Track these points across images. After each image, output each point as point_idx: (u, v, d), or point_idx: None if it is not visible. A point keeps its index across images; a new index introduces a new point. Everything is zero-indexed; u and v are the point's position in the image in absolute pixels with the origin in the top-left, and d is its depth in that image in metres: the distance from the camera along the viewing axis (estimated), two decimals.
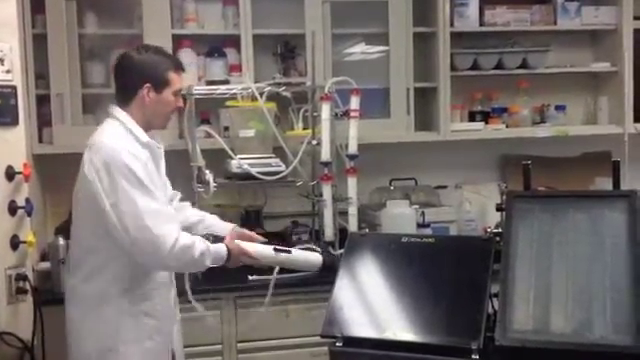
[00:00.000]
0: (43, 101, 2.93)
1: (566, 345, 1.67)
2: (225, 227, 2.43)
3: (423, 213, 3.00)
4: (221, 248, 2.17)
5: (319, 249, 2.71)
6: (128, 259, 2.06)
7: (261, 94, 2.78)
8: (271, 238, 3.10)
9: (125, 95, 2.15)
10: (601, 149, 3.48)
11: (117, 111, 2.15)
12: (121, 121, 2.13)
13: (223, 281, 2.63)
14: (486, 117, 3.38)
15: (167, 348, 2.21)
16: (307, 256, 2.52)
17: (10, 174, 2.37)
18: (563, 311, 1.73)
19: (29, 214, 2.44)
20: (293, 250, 2.46)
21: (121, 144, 2.06)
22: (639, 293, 1.69)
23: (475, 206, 3.27)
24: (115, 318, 2.09)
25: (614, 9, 3.36)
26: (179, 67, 2.20)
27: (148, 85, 2.12)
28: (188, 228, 2.38)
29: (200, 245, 2.09)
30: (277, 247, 2.42)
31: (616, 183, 1.97)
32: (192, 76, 3.05)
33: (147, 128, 2.16)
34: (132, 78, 2.14)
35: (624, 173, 2.00)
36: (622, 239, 1.79)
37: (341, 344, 1.85)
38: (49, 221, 3.01)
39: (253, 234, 2.42)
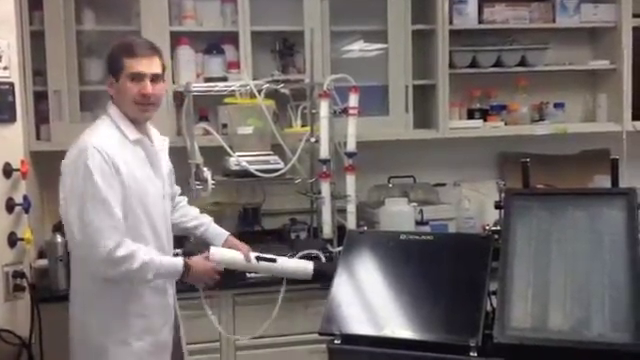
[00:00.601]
0: (41, 98, 2.92)
1: (564, 343, 1.67)
2: (219, 235, 2.43)
3: (422, 211, 3.00)
4: (176, 263, 2.12)
5: (318, 254, 2.69)
6: None
7: (259, 91, 2.78)
8: (269, 236, 3.15)
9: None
10: (600, 147, 3.47)
11: (110, 107, 2.15)
12: (112, 118, 2.12)
13: (222, 279, 2.62)
14: (485, 115, 3.38)
15: (161, 346, 2.18)
16: (296, 266, 2.50)
17: (7, 171, 2.37)
18: (561, 309, 1.73)
19: (27, 211, 2.44)
20: (279, 259, 2.44)
21: (98, 144, 2.02)
22: (637, 291, 1.69)
23: (474, 204, 3.26)
24: (105, 318, 2.09)
25: (613, 7, 3.36)
26: (130, 51, 2.09)
27: (109, 76, 2.13)
28: (184, 229, 2.42)
29: (142, 257, 2.01)
30: (260, 255, 2.42)
31: (615, 181, 1.97)
32: (190, 73, 3.05)
33: (133, 122, 2.14)
34: (105, 74, 2.17)
35: (622, 171, 2.00)
36: (621, 237, 1.79)
37: (339, 341, 1.85)
38: (47, 218, 3.00)
39: (244, 246, 2.41)
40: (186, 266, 2.13)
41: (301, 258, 2.63)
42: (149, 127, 2.22)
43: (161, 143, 2.26)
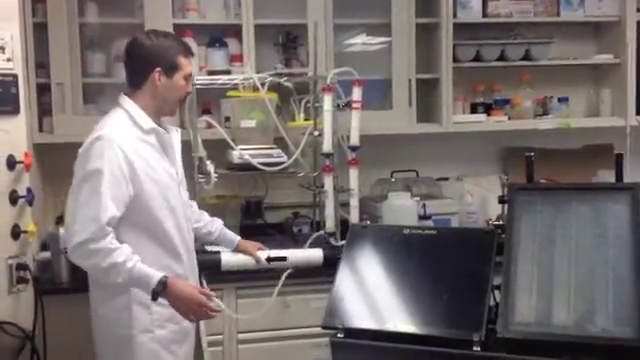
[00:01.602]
0: (43, 90, 2.91)
1: (568, 337, 1.68)
2: (230, 241, 2.55)
3: (424, 205, 3.00)
4: (152, 276, 2.01)
5: (328, 239, 2.72)
6: (136, 248, 2.05)
7: (262, 84, 2.76)
8: (272, 229, 3.15)
9: (136, 80, 2.16)
10: (603, 141, 3.47)
11: (123, 99, 2.17)
12: (126, 110, 2.14)
13: (224, 272, 2.63)
14: (488, 109, 3.37)
15: (184, 334, 2.21)
16: (307, 255, 2.63)
17: (11, 163, 2.36)
18: (565, 303, 1.73)
19: (30, 204, 2.44)
20: (289, 255, 2.58)
21: (112, 135, 2.04)
22: None
23: (476, 198, 3.26)
24: (128, 307, 2.11)
25: (617, 1, 3.34)
26: (188, 52, 2.22)
27: (159, 69, 2.13)
28: (197, 236, 2.43)
29: (116, 258, 1.98)
30: (271, 256, 2.56)
31: (619, 176, 1.97)
32: (193, 66, 3.03)
33: (158, 114, 2.19)
34: (143, 63, 2.15)
35: (626, 165, 2.00)
36: (625, 232, 1.79)
37: (342, 335, 1.85)
38: (50, 211, 3.00)
39: (255, 245, 2.54)
40: (162, 284, 2.01)
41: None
42: (162, 119, 2.26)
43: (175, 134, 2.30)
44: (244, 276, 2.64)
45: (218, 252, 2.57)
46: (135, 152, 2.07)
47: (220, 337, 2.68)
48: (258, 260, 2.55)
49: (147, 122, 2.14)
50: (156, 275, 2.01)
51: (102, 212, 1.98)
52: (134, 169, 2.06)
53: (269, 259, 2.56)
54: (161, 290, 2.01)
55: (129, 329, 2.11)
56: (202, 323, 2.39)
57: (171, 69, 2.14)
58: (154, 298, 2.02)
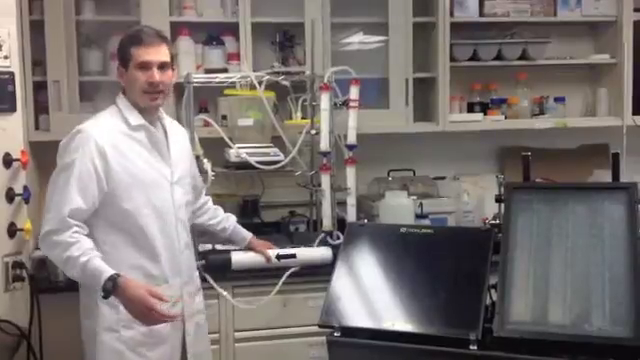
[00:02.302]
0: (40, 88, 2.90)
1: (564, 337, 1.68)
2: (242, 239, 2.59)
3: (421, 204, 3.00)
4: (102, 272, 1.95)
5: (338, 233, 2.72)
6: (107, 244, 2.06)
7: (260, 83, 2.76)
8: (268, 228, 3.15)
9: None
10: (600, 141, 3.47)
11: (118, 96, 2.18)
12: (118, 106, 2.15)
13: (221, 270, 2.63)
14: (485, 108, 3.37)
15: (159, 337, 2.12)
16: (315, 254, 2.67)
17: (7, 161, 2.36)
18: (561, 303, 1.73)
19: (26, 201, 2.44)
20: (298, 252, 2.63)
21: (90, 129, 2.06)
22: (637, 285, 1.69)
23: (473, 197, 3.26)
24: (96, 303, 2.07)
25: (614, 1, 3.34)
26: (137, 40, 2.12)
27: (117, 64, 2.16)
28: (212, 232, 2.52)
29: (73, 251, 1.96)
30: (280, 254, 2.61)
31: (615, 175, 1.97)
32: (190, 64, 3.04)
33: (141, 110, 2.16)
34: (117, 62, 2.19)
35: (622, 165, 2.00)
36: (621, 231, 1.80)
37: (339, 334, 1.85)
38: None
39: (265, 244, 2.60)
40: (113, 281, 1.94)
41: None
42: (163, 116, 2.24)
43: (177, 132, 2.29)
44: (242, 275, 2.64)
45: (228, 251, 2.58)
46: (114, 148, 2.07)
47: (217, 335, 2.67)
48: (269, 259, 2.57)
49: (136, 118, 2.13)
50: (107, 272, 1.95)
51: (66, 204, 2.00)
52: (109, 165, 2.05)
53: (279, 256, 2.60)
54: (111, 288, 1.94)
55: (94, 325, 2.09)
56: (193, 331, 2.29)
57: (125, 61, 2.12)
58: (105, 296, 1.96)
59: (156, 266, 2.14)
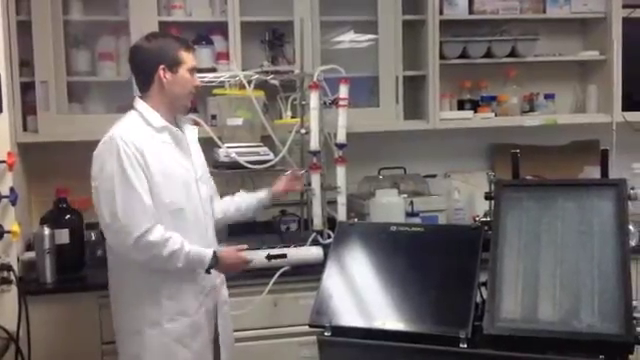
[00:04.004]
0: (27, 89, 2.88)
1: (554, 334, 1.68)
2: (259, 201, 2.61)
3: (412, 202, 3.00)
4: (204, 254, 2.18)
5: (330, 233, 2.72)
6: None
7: (249, 82, 2.76)
8: (259, 227, 3.14)
9: (144, 83, 2.23)
10: (589, 138, 3.48)
11: (136, 101, 2.23)
12: (138, 111, 2.21)
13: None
14: (475, 106, 3.37)
15: (197, 328, 2.22)
16: (306, 254, 2.68)
17: None
18: (551, 300, 1.73)
19: (13, 204, 2.42)
20: (289, 253, 2.63)
21: (123, 133, 2.11)
22: (626, 282, 1.69)
23: (464, 195, 3.26)
24: (138, 302, 2.16)
25: None
26: (188, 46, 2.25)
27: (163, 67, 2.19)
28: (233, 219, 2.57)
29: (173, 245, 2.10)
30: (271, 254, 2.62)
31: (604, 172, 1.97)
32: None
33: (170, 112, 2.24)
34: (147, 64, 2.20)
35: (612, 161, 2.01)
36: (610, 228, 1.80)
37: (329, 333, 1.85)
38: (34, 210, 2.97)
39: (287, 184, 2.69)
40: (215, 258, 2.18)
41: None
42: (179, 117, 2.32)
43: (192, 132, 2.35)
44: (232, 275, 2.62)
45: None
46: (148, 149, 2.13)
47: None
48: (299, 177, 2.73)
49: (158, 121, 2.20)
50: (207, 253, 2.17)
51: (146, 204, 2.08)
52: (147, 163, 2.11)
53: (269, 257, 2.61)
54: (215, 263, 2.18)
55: (137, 323, 2.16)
56: (224, 321, 2.38)
57: (174, 64, 2.20)
58: (208, 271, 2.19)
59: None
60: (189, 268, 2.15)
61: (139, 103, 2.22)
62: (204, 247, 2.24)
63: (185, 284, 2.19)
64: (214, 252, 2.19)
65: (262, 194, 2.63)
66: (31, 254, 2.70)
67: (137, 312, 2.16)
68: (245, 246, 2.33)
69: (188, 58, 2.22)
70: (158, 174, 2.13)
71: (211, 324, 2.29)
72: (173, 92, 2.21)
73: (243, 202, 2.58)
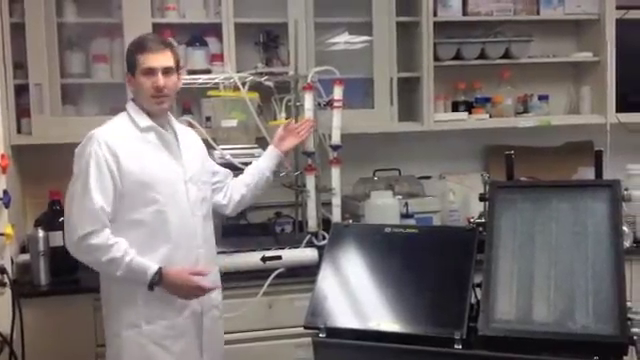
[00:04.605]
0: (21, 91, 2.87)
1: (548, 335, 1.68)
2: (267, 167, 2.60)
3: (407, 204, 3.00)
4: (148, 267, 2.09)
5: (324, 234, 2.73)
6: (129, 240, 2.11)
7: (243, 84, 2.76)
8: (254, 229, 3.14)
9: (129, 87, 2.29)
10: (583, 139, 3.49)
11: (127, 103, 2.27)
12: (128, 111, 2.24)
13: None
14: (469, 107, 3.38)
15: (180, 330, 2.20)
16: (301, 256, 2.68)
17: None
18: (546, 301, 1.73)
19: (6, 206, 2.41)
20: (284, 254, 2.64)
21: (100, 134, 2.13)
22: (621, 283, 1.70)
23: (458, 196, 3.26)
24: (117, 304, 2.17)
25: None
26: (142, 47, 2.21)
27: (127, 72, 2.25)
28: (256, 190, 2.57)
29: (115, 252, 2.06)
30: (265, 256, 2.62)
31: (598, 173, 1.97)
32: None
33: (150, 114, 2.23)
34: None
35: (606, 162, 2.01)
36: (604, 228, 1.80)
37: (324, 335, 1.85)
38: (28, 213, 2.96)
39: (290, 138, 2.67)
40: (159, 274, 2.10)
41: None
42: (171, 119, 2.32)
43: (188, 135, 2.37)
44: (227, 276, 2.62)
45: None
46: (127, 149, 2.14)
47: None
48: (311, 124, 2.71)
49: (144, 121, 2.21)
50: (152, 267, 2.09)
51: (97, 206, 2.06)
52: (122, 165, 2.11)
53: (264, 259, 2.61)
54: (158, 280, 2.09)
55: (117, 325, 2.16)
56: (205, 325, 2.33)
57: (132, 68, 2.22)
58: (150, 288, 2.10)
59: (173, 262, 2.17)
60: (131, 278, 2.09)
61: (129, 104, 2.26)
62: (192, 249, 2.22)
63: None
64: (159, 268, 2.10)
65: (269, 162, 2.62)
66: (25, 256, 2.70)
67: (118, 314, 2.16)
68: (206, 271, 2.21)
69: (142, 60, 2.19)
70: (136, 173, 2.12)
71: (199, 328, 2.25)
72: (138, 95, 2.23)
73: (259, 178, 2.58)
